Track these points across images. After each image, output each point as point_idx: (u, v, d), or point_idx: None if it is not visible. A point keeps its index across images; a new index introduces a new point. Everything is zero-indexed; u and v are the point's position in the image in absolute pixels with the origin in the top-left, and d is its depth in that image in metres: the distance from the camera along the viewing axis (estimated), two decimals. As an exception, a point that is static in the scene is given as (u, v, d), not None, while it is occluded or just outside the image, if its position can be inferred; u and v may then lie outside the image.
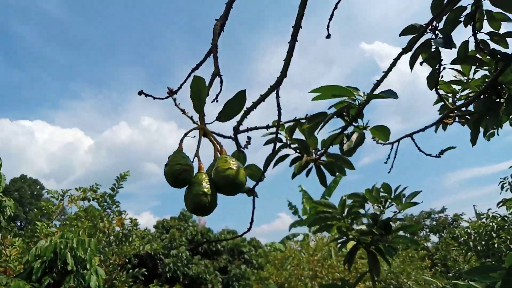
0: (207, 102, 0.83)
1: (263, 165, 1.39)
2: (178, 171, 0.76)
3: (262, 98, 1.03)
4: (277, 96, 1.01)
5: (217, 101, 0.91)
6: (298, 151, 1.52)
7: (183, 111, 1.48)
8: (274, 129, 1.49)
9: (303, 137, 1.54)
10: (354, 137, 1.35)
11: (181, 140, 0.83)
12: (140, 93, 0.99)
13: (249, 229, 1.07)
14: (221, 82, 0.89)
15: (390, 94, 1.18)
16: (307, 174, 1.59)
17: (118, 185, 7.18)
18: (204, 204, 0.75)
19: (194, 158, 0.81)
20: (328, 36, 1.31)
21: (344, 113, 1.41)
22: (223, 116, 0.85)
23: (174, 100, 1.44)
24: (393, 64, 1.29)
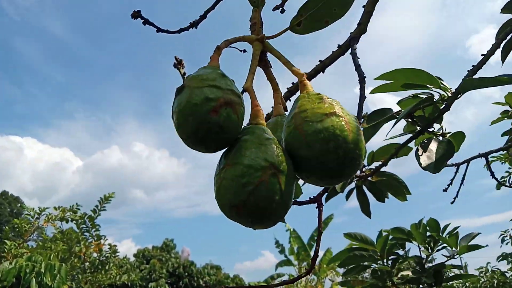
0: (265, 10, 0.45)
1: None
2: (211, 103, 0.33)
3: (331, 58, 0.65)
4: (355, 57, 0.62)
5: (282, 9, 0.54)
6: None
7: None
8: None
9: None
10: (434, 146, 0.96)
11: (219, 49, 0.40)
12: (136, 15, 0.60)
13: (312, 268, 0.66)
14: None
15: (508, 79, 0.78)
16: (348, 197, 1.20)
17: (100, 207, 6.70)
18: (269, 198, 0.32)
19: (242, 92, 0.42)
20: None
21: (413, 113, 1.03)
22: (305, 22, 0.42)
23: (183, 75, 1.05)
24: (490, 52, 0.95)
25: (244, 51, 0.55)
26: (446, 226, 1.56)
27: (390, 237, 1.49)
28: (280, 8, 0.57)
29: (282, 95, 0.49)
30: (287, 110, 0.48)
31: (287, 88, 0.71)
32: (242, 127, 0.38)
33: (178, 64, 1.18)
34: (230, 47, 0.43)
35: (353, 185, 1.24)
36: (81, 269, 6.73)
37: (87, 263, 6.77)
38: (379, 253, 1.45)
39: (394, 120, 1.00)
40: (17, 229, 6.65)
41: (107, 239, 7.07)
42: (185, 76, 0.39)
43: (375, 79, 1.00)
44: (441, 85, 0.98)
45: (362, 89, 0.63)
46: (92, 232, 6.70)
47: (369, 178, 1.22)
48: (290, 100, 0.67)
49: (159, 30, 0.67)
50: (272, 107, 0.49)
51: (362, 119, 1.05)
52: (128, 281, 7.15)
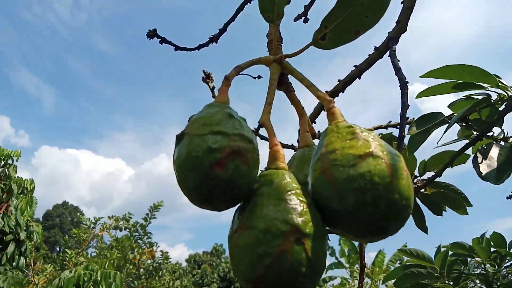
0: (285, 20, 0.37)
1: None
2: (214, 155, 0.27)
3: (367, 62, 0.56)
4: (394, 59, 0.53)
5: (306, 18, 0.47)
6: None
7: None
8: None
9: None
10: (495, 153, 0.83)
11: (227, 80, 0.33)
12: (152, 35, 0.56)
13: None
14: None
15: None
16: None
17: (151, 215, 6.91)
18: (293, 271, 0.24)
19: (258, 129, 0.34)
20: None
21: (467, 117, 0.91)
22: (331, 35, 0.34)
23: (212, 89, 1.01)
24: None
25: (259, 77, 0.49)
26: (513, 242, 1.39)
27: (450, 252, 1.35)
28: (303, 18, 0.49)
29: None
30: (316, 137, 0.40)
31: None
32: (259, 172, 0.31)
33: (207, 78, 1.14)
34: (242, 74, 0.36)
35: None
36: (136, 276, 6.98)
37: (141, 270, 7.01)
38: (438, 271, 1.31)
39: (446, 125, 0.88)
40: (76, 238, 7.04)
41: (159, 246, 7.29)
42: (189, 119, 0.31)
43: (421, 77, 0.89)
44: (499, 84, 0.85)
45: (404, 96, 0.53)
46: (145, 239, 6.93)
47: (422, 190, 1.10)
48: (315, 122, 0.59)
49: (177, 48, 0.62)
50: (297, 141, 0.41)
51: (409, 126, 0.94)
52: (181, 286, 7.33)
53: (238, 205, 0.30)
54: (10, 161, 4.37)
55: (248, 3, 0.63)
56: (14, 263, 4.42)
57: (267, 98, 0.34)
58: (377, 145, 0.28)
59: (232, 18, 0.65)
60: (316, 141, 0.40)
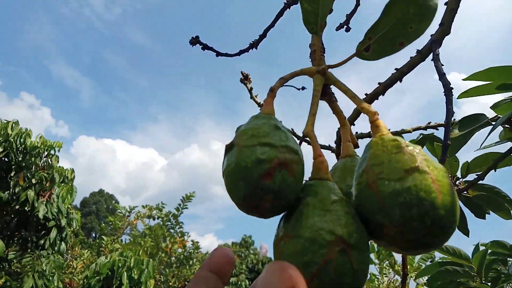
0: (328, 30, 0.38)
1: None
2: (263, 166, 0.28)
3: (409, 65, 0.56)
4: (437, 63, 0.52)
5: (348, 27, 0.47)
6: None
7: (261, 106, 1.06)
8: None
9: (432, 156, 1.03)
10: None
11: (272, 92, 0.35)
12: (194, 42, 0.58)
13: None
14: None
15: None
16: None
17: (183, 205, 7.08)
18: (338, 280, 0.25)
19: (301, 141, 0.37)
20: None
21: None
22: (374, 46, 0.35)
23: (250, 89, 1.02)
24: None
25: (303, 88, 0.49)
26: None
27: (489, 251, 1.31)
28: (345, 27, 0.50)
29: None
30: (358, 147, 0.41)
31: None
32: (304, 182, 0.32)
33: (245, 79, 1.17)
34: (286, 85, 0.37)
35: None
36: (168, 264, 7.17)
37: (172, 258, 7.20)
38: (476, 270, 1.28)
39: (488, 127, 0.86)
40: (112, 225, 7.33)
41: (189, 236, 7.46)
42: (236, 129, 0.33)
43: (464, 79, 0.87)
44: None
45: (449, 103, 0.52)
46: (176, 229, 7.12)
47: (464, 193, 1.08)
48: (354, 125, 0.59)
49: (218, 54, 0.64)
50: (334, 142, 0.41)
51: (451, 127, 0.91)
52: (211, 276, 7.39)
53: (283, 214, 0.31)
54: (52, 152, 4.59)
55: (288, 9, 0.64)
56: (56, 248, 4.66)
57: (311, 109, 0.35)
58: (422, 159, 0.28)
59: (272, 24, 0.66)
60: (357, 151, 0.41)
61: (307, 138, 0.33)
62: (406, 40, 0.35)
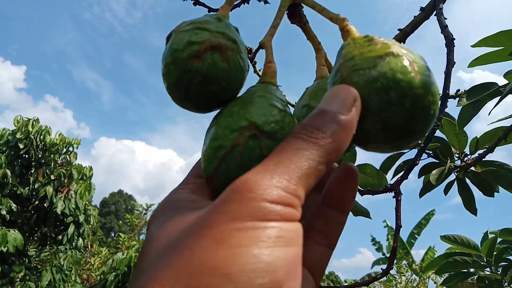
0: None
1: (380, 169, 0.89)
2: (193, 47, 0.27)
3: (413, 24, 0.55)
4: (440, 17, 0.52)
5: None
6: (432, 154, 0.99)
7: (258, 72, 1.06)
8: None
9: (440, 134, 1.00)
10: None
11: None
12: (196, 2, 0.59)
13: (388, 270, 0.57)
14: None
15: None
16: (446, 191, 1.04)
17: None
18: (244, 166, 0.24)
19: (257, 50, 0.36)
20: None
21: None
22: None
23: (254, 64, 1.02)
24: None
25: (266, 2, 0.48)
26: None
27: (499, 240, 1.27)
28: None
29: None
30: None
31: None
32: (247, 68, 0.31)
33: (248, 53, 1.17)
34: None
35: (453, 176, 1.07)
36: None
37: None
38: (485, 259, 1.25)
39: (499, 97, 0.82)
40: (129, 224, 7.44)
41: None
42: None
43: (472, 46, 0.83)
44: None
45: (450, 53, 0.52)
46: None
47: (472, 168, 1.04)
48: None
49: (210, 9, 0.64)
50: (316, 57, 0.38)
51: (459, 98, 0.88)
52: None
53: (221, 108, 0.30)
54: (71, 149, 4.70)
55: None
56: (73, 243, 4.76)
57: (273, 21, 0.33)
58: (398, 46, 0.26)
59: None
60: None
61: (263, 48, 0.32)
62: None
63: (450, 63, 0.53)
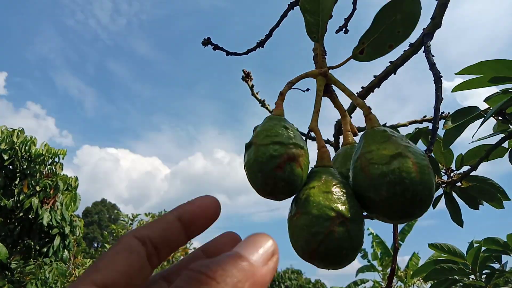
0: (328, 32, 0.43)
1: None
2: (275, 160, 0.35)
3: (402, 58, 0.61)
4: (428, 55, 0.58)
5: (346, 30, 0.53)
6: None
7: (262, 102, 1.11)
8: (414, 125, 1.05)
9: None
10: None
11: (282, 95, 0.41)
12: (206, 43, 0.64)
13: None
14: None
15: None
16: (435, 205, 1.12)
17: (184, 213, 7.09)
18: (338, 246, 0.33)
19: (308, 134, 0.44)
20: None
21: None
22: (368, 49, 0.41)
23: (251, 87, 1.08)
24: None
25: (307, 90, 0.56)
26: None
27: (483, 248, 1.35)
28: (344, 29, 0.56)
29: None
30: (357, 135, 0.48)
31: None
32: (310, 169, 0.40)
33: (246, 77, 1.23)
34: (294, 88, 0.44)
35: (440, 191, 1.15)
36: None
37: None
38: (470, 267, 1.32)
39: (481, 120, 0.90)
40: (114, 234, 7.34)
41: (192, 243, 7.46)
42: (253, 129, 0.41)
43: (456, 74, 0.91)
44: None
45: (438, 90, 0.58)
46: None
47: (458, 184, 1.12)
48: (351, 117, 0.65)
49: (228, 53, 0.70)
50: (343, 136, 0.48)
51: (444, 120, 0.96)
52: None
53: (294, 196, 0.39)
54: (56, 159, 4.64)
55: (291, 10, 0.70)
56: (59, 255, 4.69)
57: (315, 107, 0.42)
58: (405, 147, 0.35)
59: (277, 24, 0.73)
60: (356, 138, 0.47)
61: (312, 133, 0.41)
62: (394, 43, 0.42)
63: (439, 99, 0.58)
